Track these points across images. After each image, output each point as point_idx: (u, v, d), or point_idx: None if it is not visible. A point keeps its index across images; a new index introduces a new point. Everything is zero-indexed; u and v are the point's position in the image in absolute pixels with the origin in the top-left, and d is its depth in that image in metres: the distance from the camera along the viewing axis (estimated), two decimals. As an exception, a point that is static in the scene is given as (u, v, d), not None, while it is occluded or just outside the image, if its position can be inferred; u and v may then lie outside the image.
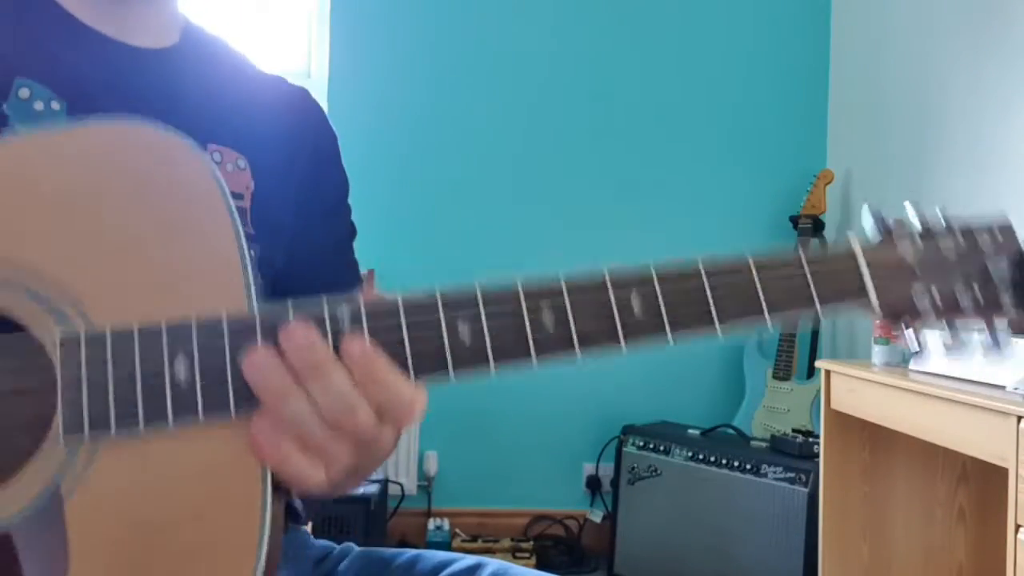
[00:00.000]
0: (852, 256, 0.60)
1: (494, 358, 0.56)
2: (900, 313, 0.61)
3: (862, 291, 0.60)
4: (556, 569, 2.81)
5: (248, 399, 0.53)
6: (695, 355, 3.08)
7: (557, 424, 3.04)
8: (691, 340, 0.58)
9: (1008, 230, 0.63)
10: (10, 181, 0.55)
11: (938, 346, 0.62)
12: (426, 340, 0.56)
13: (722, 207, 3.11)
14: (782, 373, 2.89)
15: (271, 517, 0.53)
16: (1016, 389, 1.50)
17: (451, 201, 3.03)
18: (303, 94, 0.89)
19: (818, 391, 2.52)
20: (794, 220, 2.95)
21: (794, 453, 2.36)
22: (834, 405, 1.99)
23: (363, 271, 3.13)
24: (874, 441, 2.03)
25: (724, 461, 2.45)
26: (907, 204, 0.65)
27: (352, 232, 0.91)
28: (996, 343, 0.63)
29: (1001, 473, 1.45)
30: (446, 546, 2.73)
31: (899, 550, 2.05)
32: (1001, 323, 0.62)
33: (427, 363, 0.56)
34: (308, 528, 0.87)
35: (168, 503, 0.52)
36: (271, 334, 0.53)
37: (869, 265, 0.60)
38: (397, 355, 0.55)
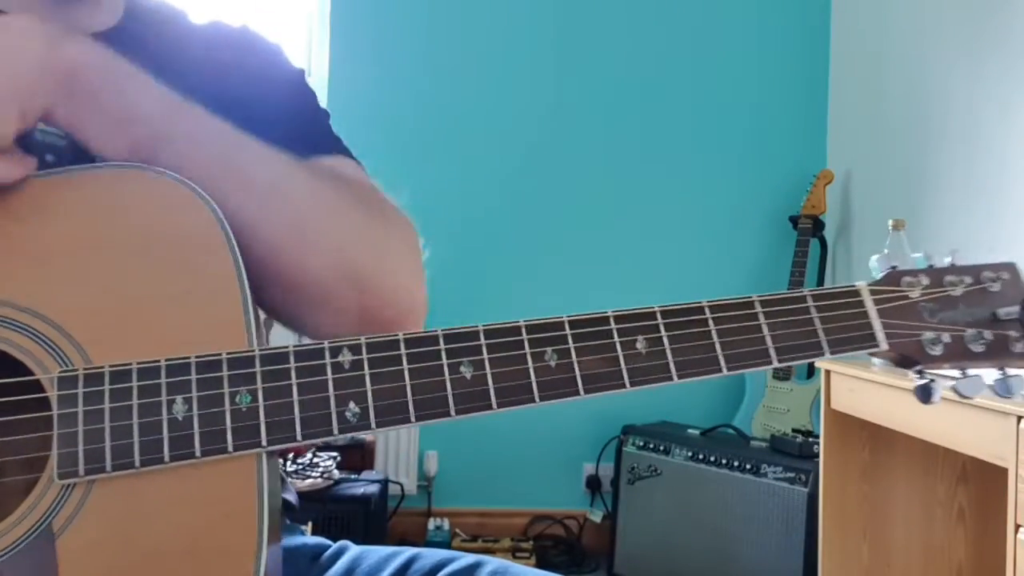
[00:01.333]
0: (860, 303, 0.61)
1: (496, 397, 0.57)
2: (912, 360, 0.61)
3: (871, 338, 0.60)
4: (556, 569, 2.81)
5: (247, 437, 0.53)
6: (695, 355, 3.08)
7: (557, 424, 3.04)
8: (696, 380, 0.58)
9: (1014, 271, 0.64)
10: (13, 226, 0.56)
11: (948, 390, 0.62)
12: (428, 374, 0.56)
13: (722, 207, 3.11)
14: (782, 373, 2.89)
15: (266, 555, 0.52)
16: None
17: (451, 201, 3.03)
18: (243, 32, 0.86)
19: (818, 391, 2.52)
20: (794, 220, 2.95)
21: (794, 453, 2.36)
22: (834, 405, 1.98)
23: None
24: (874, 441, 2.03)
25: (724, 461, 2.45)
26: (916, 255, 0.65)
27: (313, 109, 0.90)
28: (1008, 388, 0.62)
29: (1001, 473, 1.45)
30: (446, 546, 2.73)
31: (899, 550, 2.05)
32: (1011, 367, 0.63)
33: (427, 401, 0.56)
34: (308, 528, 0.86)
35: (161, 540, 0.52)
36: (272, 376, 0.54)
37: (878, 309, 0.61)
38: (396, 391, 0.55)
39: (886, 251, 0.66)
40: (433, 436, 2.98)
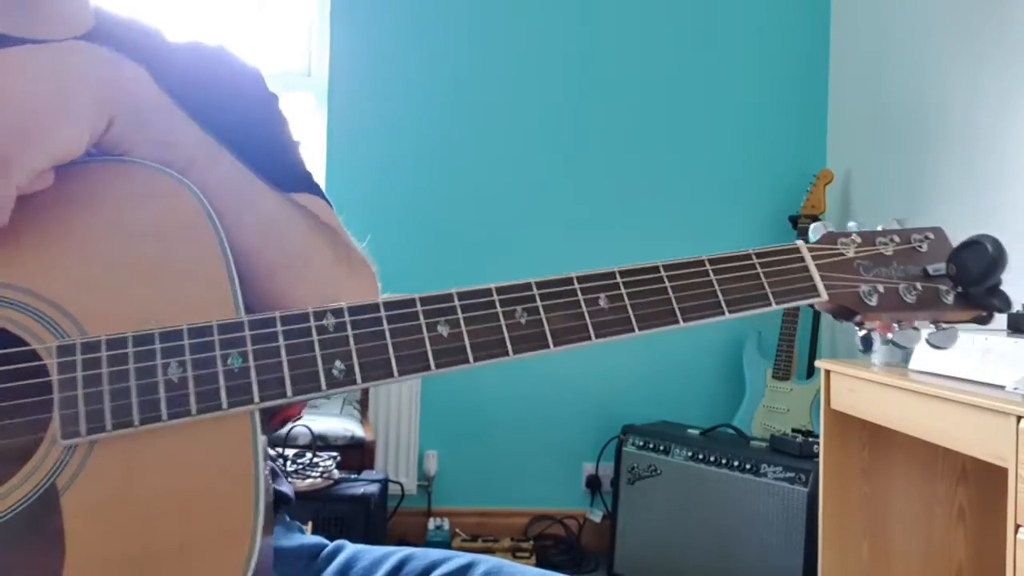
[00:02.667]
0: (800, 259, 0.67)
1: (472, 352, 0.60)
2: (851, 310, 0.67)
3: (812, 289, 0.66)
4: (556, 569, 2.81)
5: (240, 394, 0.56)
6: (695, 355, 3.09)
7: (557, 424, 3.04)
8: (657, 333, 0.63)
9: (940, 233, 0.70)
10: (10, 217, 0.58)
11: (886, 342, 0.68)
12: (408, 333, 0.59)
13: (722, 207, 3.11)
14: (782, 373, 2.89)
15: (265, 500, 0.55)
16: (1016, 389, 1.50)
17: (451, 201, 3.03)
18: (219, 52, 0.87)
19: (818, 391, 2.52)
20: (794, 220, 2.95)
21: (794, 453, 2.36)
22: (834, 405, 1.99)
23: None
24: (874, 441, 2.03)
25: (724, 461, 2.45)
26: (851, 223, 0.71)
27: (286, 141, 0.89)
28: (941, 339, 0.68)
29: (1001, 473, 1.45)
30: (446, 546, 2.73)
31: (899, 549, 2.05)
32: (945, 319, 0.68)
33: (409, 359, 0.59)
34: (308, 528, 0.86)
35: (162, 494, 0.54)
36: (260, 339, 0.57)
37: (817, 264, 0.67)
38: (379, 348, 0.58)
39: (824, 220, 0.71)
40: (433, 436, 2.98)
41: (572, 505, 3.05)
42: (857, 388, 1.91)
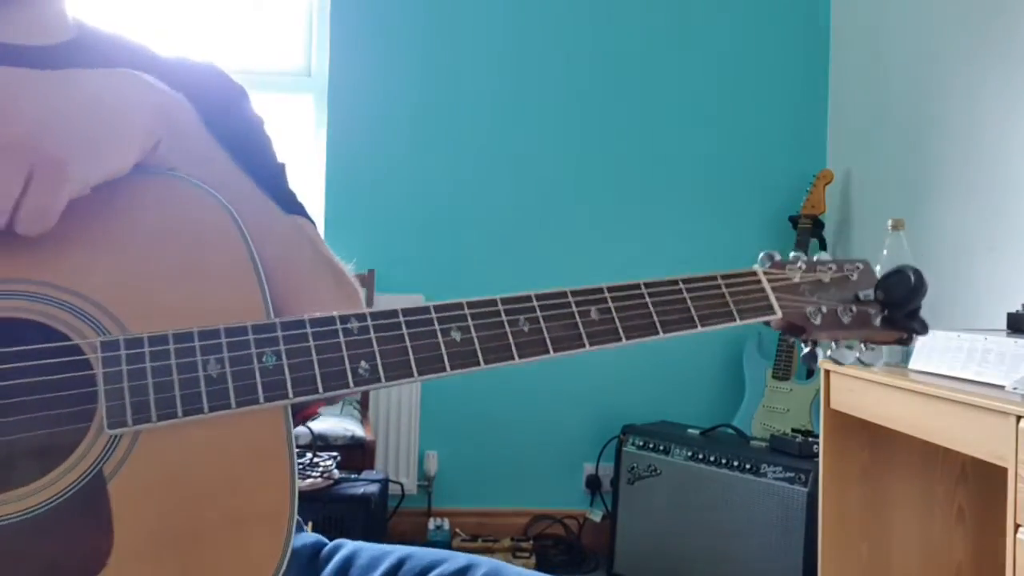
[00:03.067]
0: (758, 281, 0.77)
1: (483, 356, 0.66)
2: (799, 328, 0.77)
3: (769, 308, 0.76)
4: (556, 569, 2.82)
5: (275, 389, 0.60)
6: (695, 355, 3.09)
7: (557, 424, 3.04)
8: (641, 342, 0.70)
9: (867, 265, 0.82)
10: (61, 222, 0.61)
11: (822, 354, 0.79)
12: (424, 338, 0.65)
13: (722, 207, 3.11)
14: (782, 373, 2.89)
15: (297, 485, 0.60)
16: (1015, 389, 1.50)
17: (451, 200, 3.03)
18: (209, 68, 0.87)
19: (817, 391, 2.52)
20: (794, 220, 2.95)
21: (794, 453, 2.36)
22: (834, 405, 1.99)
23: (363, 271, 3.14)
24: (874, 441, 2.03)
25: (724, 461, 2.46)
26: (792, 254, 0.82)
27: (273, 164, 0.90)
28: (870, 358, 0.80)
29: (1000, 473, 1.45)
30: (446, 546, 2.73)
31: (898, 550, 2.05)
32: (873, 338, 0.80)
33: (426, 360, 0.65)
34: (308, 528, 0.87)
35: (205, 478, 0.58)
36: (292, 339, 0.62)
37: (772, 287, 0.77)
38: (400, 350, 0.64)
39: (769, 251, 0.81)
40: (433, 436, 2.98)
41: (572, 505, 3.05)
42: (857, 388, 1.91)
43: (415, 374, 0.63)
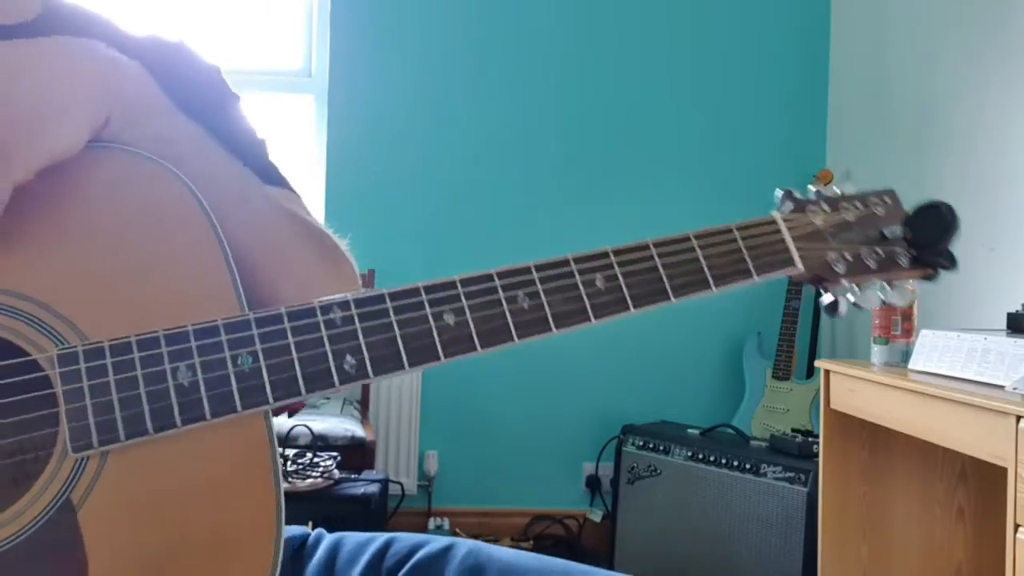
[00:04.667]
0: (778, 231, 0.71)
1: (479, 339, 0.60)
2: (821, 277, 0.71)
3: (789, 260, 0.69)
4: (556, 569, 2.81)
5: (254, 396, 0.55)
6: (695, 355, 3.09)
7: (557, 424, 3.04)
8: (650, 310, 0.64)
9: (894, 196, 0.75)
10: None
11: (846, 302, 0.72)
12: (415, 324, 0.59)
13: (722, 206, 3.10)
14: (781, 373, 2.89)
15: (283, 499, 0.54)
16: (1015, 389, 1.50)
17: (451, 200, 3.03)
18: (178, 46, 0.83)
19: (817, 391, 2.52)
20: (794, 220, 2.95)
21: (793, 453, 2.36)
22: (833, 405, 1.99)
23: (363, 271, 3.14)
24: (873, 441, 2.03)
25: (724, 461, 2.45)
26: (810, 186, 0.75)
27: (252, 138, 0.84)
28: (896, 295, 0.73)
29: (1000, 473, 1.45)
30: (446, 546, 2.72)
31: (898, 550, 2.06)
32: (899, 277, 0.73)
33: (418, 347, 0.59)
34: (308, 528, 0.87)
35: (183, 497, 0.53)
36: (269, 336, 0.56)
37: (792, 236, 0.70)
38: (388, 341, 0.58)
39: (787, 188, 0.76)
40: (433, 436, 2.98)
41: (572, 505, 3.05)
42: (857, 388, 1.91)
43: (406, 366, 0.57)
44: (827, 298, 0.72)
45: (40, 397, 0.53)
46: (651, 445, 2.62)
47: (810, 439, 2.37)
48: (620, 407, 2.96)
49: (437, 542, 0.78)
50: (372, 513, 2.28)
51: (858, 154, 2.99)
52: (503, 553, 0.76)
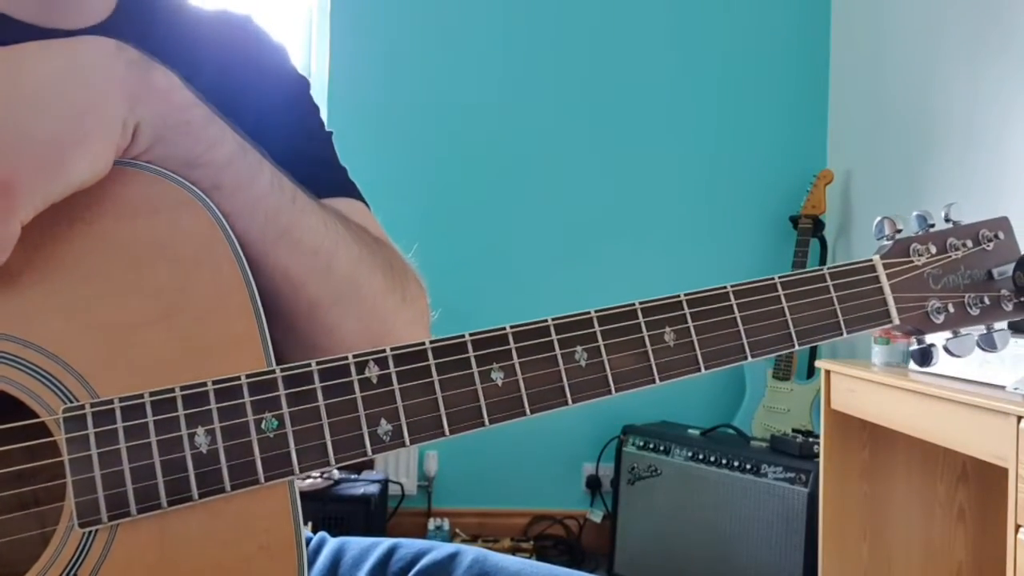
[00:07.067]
0: (876, 279, 0.63)
1: (529, 403, 0.55)
2: (918, 329, 0.64)
3: (885, 315, 0.62)
4: (556, 569, 2.81)
5: (278, 465, 0.50)
6: (695, 355, 3.08)
7: (557, 424, 3.04)
8: (722, 369, 0.58)
9: (1007, 228, 0.68)
10: None
11: (939, 350, 0.65)
12: (459, 383, 0.53)
13: (722, 207, 3.11)
14: (782, 373, 2.89)
15: (305, 565, 0.50)
16: (1016, 389, 1.50)
17: (451, 200, 3.03)
18: (244, 20, 0.80)
19: (818, 391, 2.52)
20: (794, 220, 2.95)
21: (794, 453, 2.36)
22: (834, 405, 1.99)
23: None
24: (874, 441, 2.03)
25: (724, 461, 2.45)
26: (915, 214, 0.67)
27: (317, 132, 0.83)
28: (991, 342, 0.66)
29: (1001, 473, 1.45)
30: (446, 546, 2.72)
31: (899, 550, 2.06)
32: (1001, 324, 0.66)
33: (460, 411, 0.54)
34: (308, 528, 0.87)
35: (197, 568, 0.49)
36: (297, 398, 0.51)
37: (891, 283, 0.63)
38: (428, 404, 0.52)
39: (891, 217, 0.67)
40: (433, 436, 2.98)
41: (572, 505, 3.05)
42: (857, 388, 1.91)
43: (447, 432, 0.52)
44: (918, 346, 0.65)
45: (42, 466, 0.49)
46: (651, 445, 2.62)
47: (811, 439, 2.37)
48: (620, 407, 2.96)
49: (442, 549, 0.77)
50: (372, 513, 2.28)
51: (858, 154, 2.99)
52: (509, 562, 0.74)
